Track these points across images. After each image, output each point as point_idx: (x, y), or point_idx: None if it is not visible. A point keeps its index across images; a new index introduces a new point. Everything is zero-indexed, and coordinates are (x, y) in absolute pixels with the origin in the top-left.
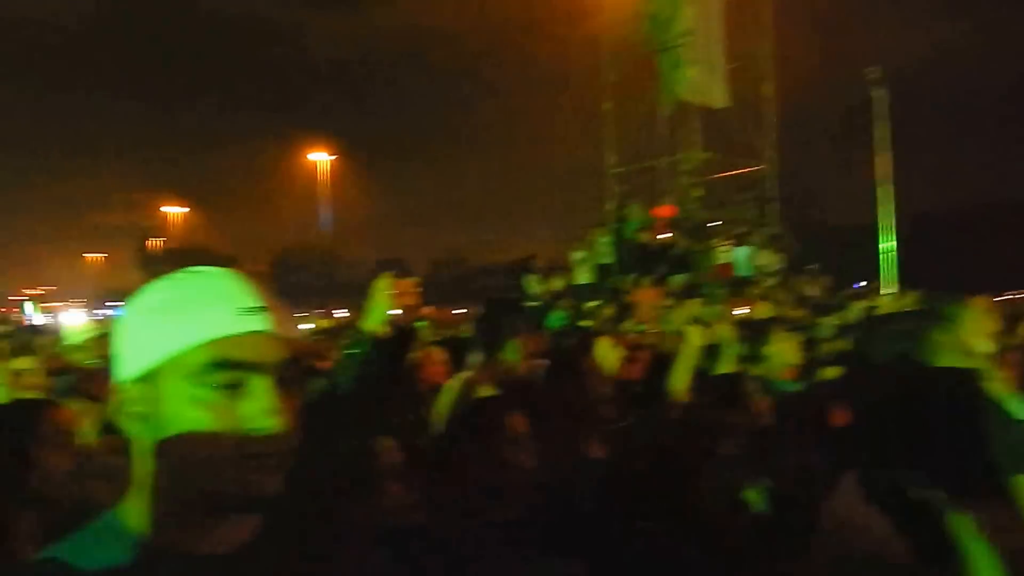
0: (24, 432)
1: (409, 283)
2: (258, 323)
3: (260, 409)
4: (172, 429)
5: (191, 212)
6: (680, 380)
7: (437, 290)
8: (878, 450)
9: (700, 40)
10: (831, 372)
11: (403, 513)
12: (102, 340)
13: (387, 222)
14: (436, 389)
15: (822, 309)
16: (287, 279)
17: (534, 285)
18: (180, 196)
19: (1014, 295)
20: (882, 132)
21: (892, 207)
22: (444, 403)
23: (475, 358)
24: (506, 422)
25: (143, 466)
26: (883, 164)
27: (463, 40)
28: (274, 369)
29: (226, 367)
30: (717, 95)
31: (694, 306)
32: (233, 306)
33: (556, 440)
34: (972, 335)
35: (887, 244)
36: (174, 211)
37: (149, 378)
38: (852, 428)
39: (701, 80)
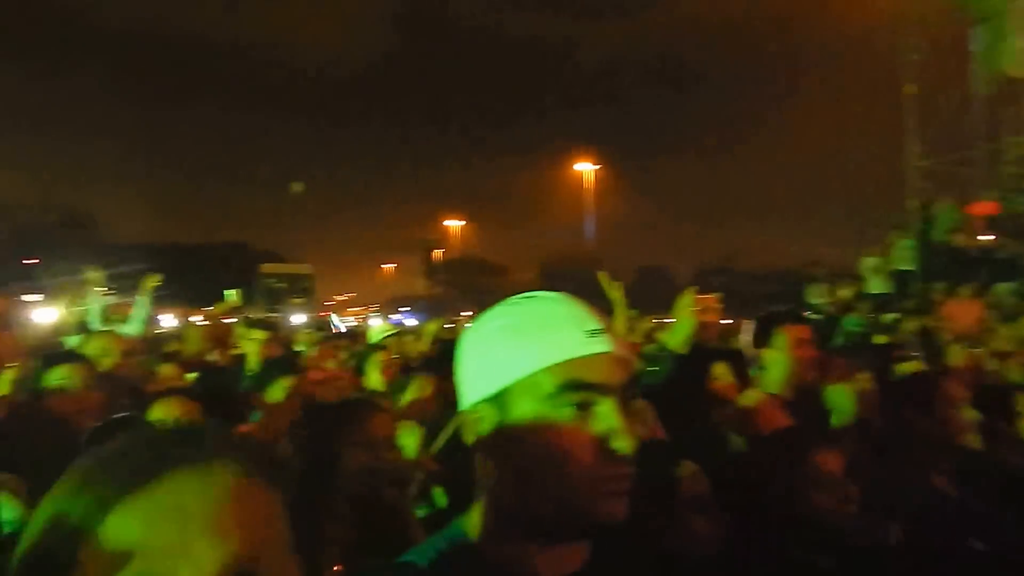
0: (340, 434)
1: (712, 299)
2: (604, 345)
3: (609, 431)
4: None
5: (468, 224)
6: None
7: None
8: None
9: None
10: None
11: (705, 546)
12: (399, 340)
13: (655, 227)
14: (722, 405)
15: None
16: (553, 288)
17: (818, 295)
18: (458, 209)
19: None
20: None
21: None
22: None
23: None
24: (811, 459)
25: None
26: None
27: (738, 31)
28: (620, 390)
29: (577, 389)
30: None
31: None
32: (581, 329)
33: (897, 477)
34: None
35: None
36: (454, 224)
37: (499, 398)
38: None
39: None
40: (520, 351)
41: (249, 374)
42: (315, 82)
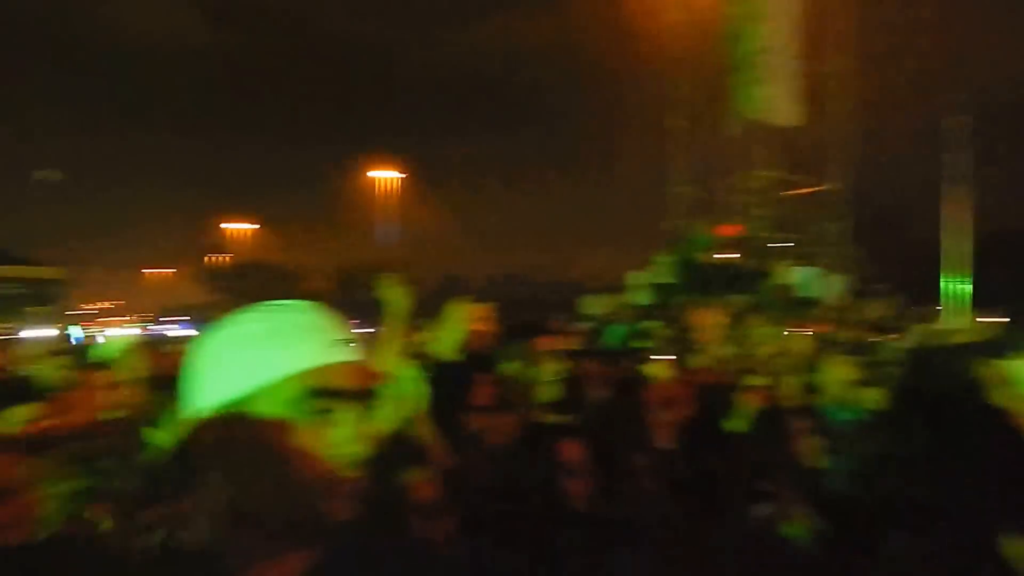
0: None
1: (485, 309)
2: (347, 353)
3: (346, 436)
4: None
5: (259, 230)
6: (737, 422)
7: (498, 310)
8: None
9: (775, 58)
10: (872, 396)
11: (437, 547)
12: (143, 355)
13: (455, 242)
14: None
15: (889, 331)
16: (353, 297)
17: (592, 305)
18: (250, 214)
19: None
20: (956, 162)
21: (970, 234)
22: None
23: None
24: (559, 450)
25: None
26: (956, 192)
27: (537, 61)
28: (360, 397)
29: (318, 395)
30: (790, 114)
31: (754, 327)
32: (325, 338)
33: (613, 467)
34: None
35: (954, 264)
36: (237, 227)
37: (237, 404)
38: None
39: (774, 98)
40: (263, 358)
41: None
42: (97, 61)
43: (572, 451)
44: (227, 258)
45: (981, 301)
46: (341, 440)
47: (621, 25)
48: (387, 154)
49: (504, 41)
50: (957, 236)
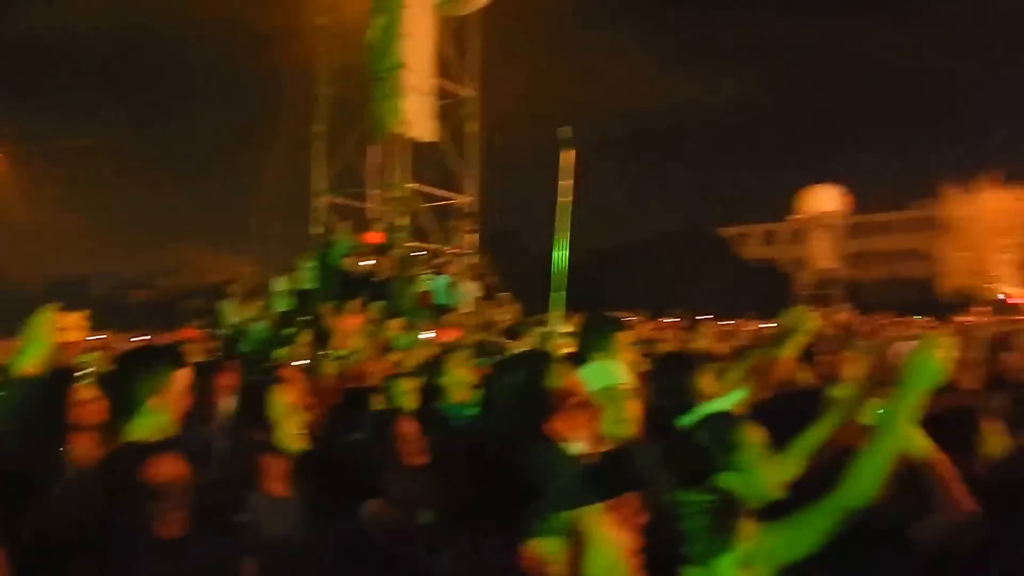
0: None
1: (76, 317)
2: None
3: None
4: None
5: None
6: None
7: (124, 315)
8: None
9: (412, 75)
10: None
11: None
12: None
13: (67, 238)
14: (82, 430)
15: (512, 335)
16: None
17: (230, 311)
18: None
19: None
20: (565, 187)
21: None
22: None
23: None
24: (146, 472)
25: None
26: (563, 214)
27: (171, 41)
28: None
29: None
30: (426, 129)
31: (391, 332)
32: None
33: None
34: (614, 367)
35: (559, 276)
36: None
37: None
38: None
39: (411, 113)
40: None
41: None
42: None
43: (167, 468)
44: None
45: (575, 307)
46: None
47: (263, 22)
48: None
49: (138, 16)
50: (561, 252)
